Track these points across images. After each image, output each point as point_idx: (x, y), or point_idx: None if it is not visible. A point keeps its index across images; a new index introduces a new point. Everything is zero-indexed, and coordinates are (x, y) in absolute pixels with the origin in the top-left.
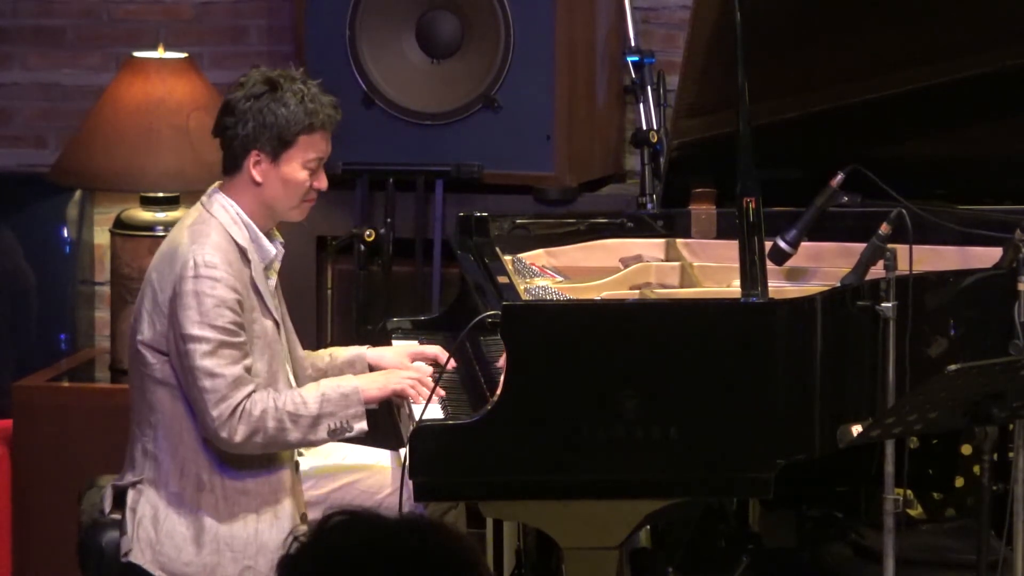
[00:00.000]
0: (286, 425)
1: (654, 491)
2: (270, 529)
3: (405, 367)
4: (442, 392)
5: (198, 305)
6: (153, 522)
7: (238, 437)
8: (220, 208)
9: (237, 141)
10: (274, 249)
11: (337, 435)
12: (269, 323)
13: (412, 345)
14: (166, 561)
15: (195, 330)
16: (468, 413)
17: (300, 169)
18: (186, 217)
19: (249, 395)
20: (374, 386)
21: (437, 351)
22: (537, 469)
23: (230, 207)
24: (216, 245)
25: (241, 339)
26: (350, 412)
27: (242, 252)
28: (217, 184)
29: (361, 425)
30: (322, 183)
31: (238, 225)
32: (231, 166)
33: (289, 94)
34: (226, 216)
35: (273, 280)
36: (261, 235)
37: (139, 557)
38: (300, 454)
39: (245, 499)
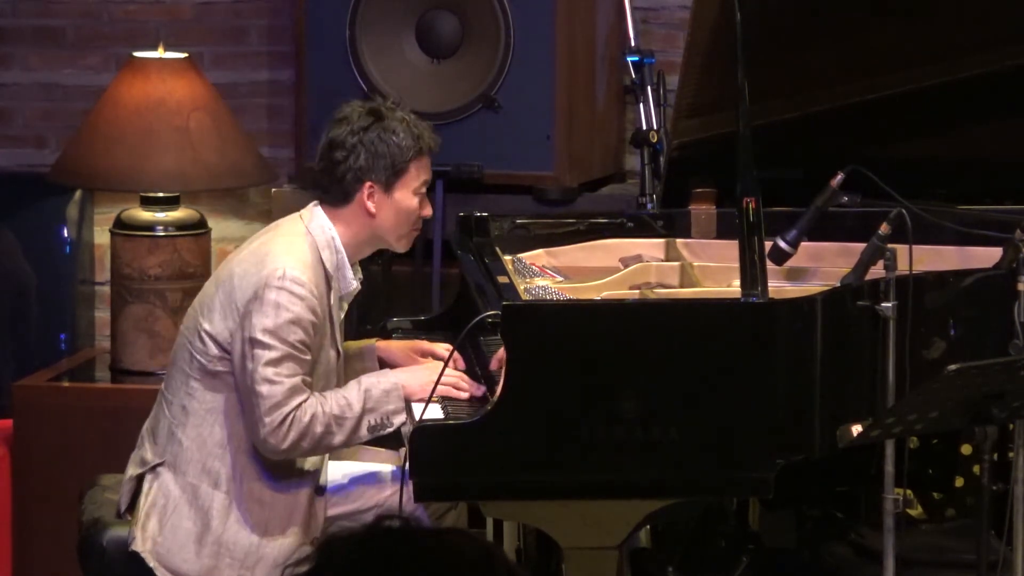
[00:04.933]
0: (332, 429)
1: (654, 491)
2: (273, 543)
3: (435, 369)
4: (482, 390)
5: (275, 315)
6: (161, 514)
7: (286, 444)
8: (319, 228)
9: (350, 175)
10: (355, 283)
11: (377, 431)
12: (333, 353)
13: (421, 342)
14: (164, 554)
15: (265, 337)
16: (468, 413)
17: (412, 196)
18: (283, 223)
19: (300, 404)
20: (415, 383)
21: (447, 348)
22: (537, 469)
23: (328, 230)
24: (307, 263)
25: (307, 357)
26: (390, 408)
27: (327, 277)
28: (317, 202)
29: (400, 419)
30: (427, 210)
31: (330, 250)
32: (340, 199)
33: (395, 122)
34: (323, 237)
35: (343, 313)
36: (347, 265)
37: (140, 546)
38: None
39: (258, 510)
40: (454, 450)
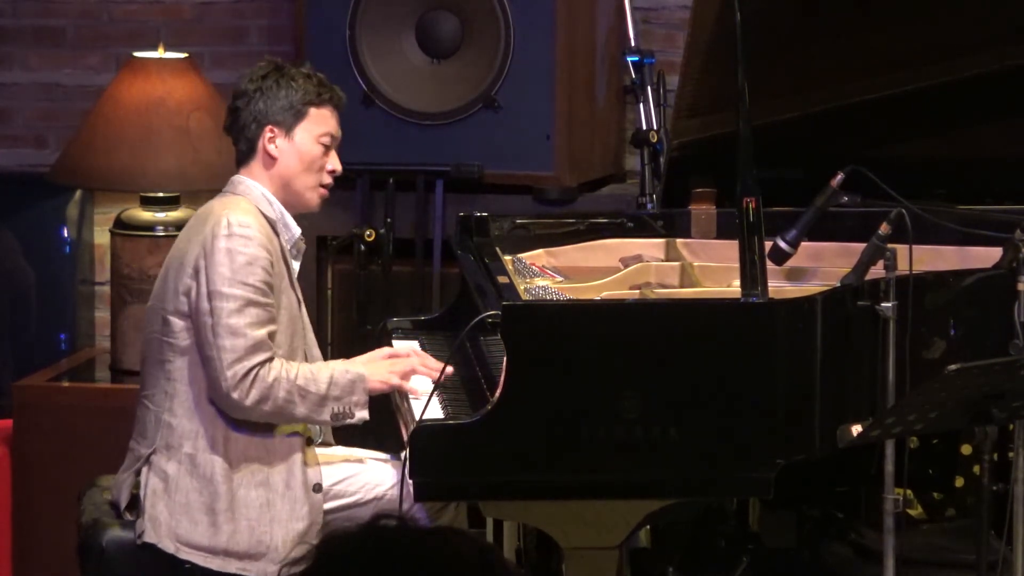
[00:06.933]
0: (295, 398)
1: (654, 491)
2: (282, 498)
3: (398, 356)
4: (450, 369)
5: (230, 262)
6: (165, 496)
7: (248, 401)
8: (247, 188)
9: (252, 120)
10: (299, 230)
11: (339, 420)
12: (294, 298)
13: (382, 351)
14: (183, 533)
15: (224, 287)
16: (468, 413)
17: (314, 143)
18: (211, 202)
19: (264, 362)
20: (376, 378)
21: (412, 345)
22: (537, 469)
23: (255, 187)
24: (248, 211)
25: (269, 301)
26: (354, 399)
27: (272, 224)
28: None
29: (363, 413)
30: (336, 164)
31: (266, 201)
32: (247, 149)
33: (295, 72)
34: (254, 194)
35: (297, 264)
36: (287, 214)
37: (154, 536)
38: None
39: (257, 467)
40: (454, 450)
